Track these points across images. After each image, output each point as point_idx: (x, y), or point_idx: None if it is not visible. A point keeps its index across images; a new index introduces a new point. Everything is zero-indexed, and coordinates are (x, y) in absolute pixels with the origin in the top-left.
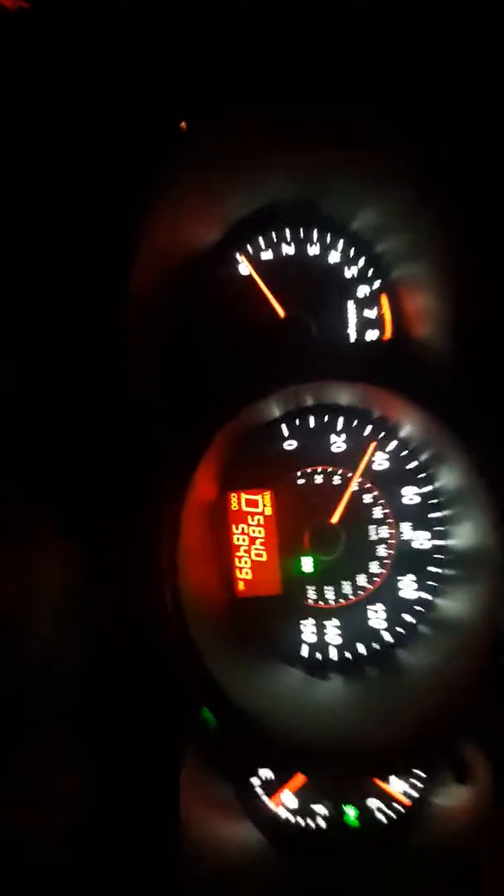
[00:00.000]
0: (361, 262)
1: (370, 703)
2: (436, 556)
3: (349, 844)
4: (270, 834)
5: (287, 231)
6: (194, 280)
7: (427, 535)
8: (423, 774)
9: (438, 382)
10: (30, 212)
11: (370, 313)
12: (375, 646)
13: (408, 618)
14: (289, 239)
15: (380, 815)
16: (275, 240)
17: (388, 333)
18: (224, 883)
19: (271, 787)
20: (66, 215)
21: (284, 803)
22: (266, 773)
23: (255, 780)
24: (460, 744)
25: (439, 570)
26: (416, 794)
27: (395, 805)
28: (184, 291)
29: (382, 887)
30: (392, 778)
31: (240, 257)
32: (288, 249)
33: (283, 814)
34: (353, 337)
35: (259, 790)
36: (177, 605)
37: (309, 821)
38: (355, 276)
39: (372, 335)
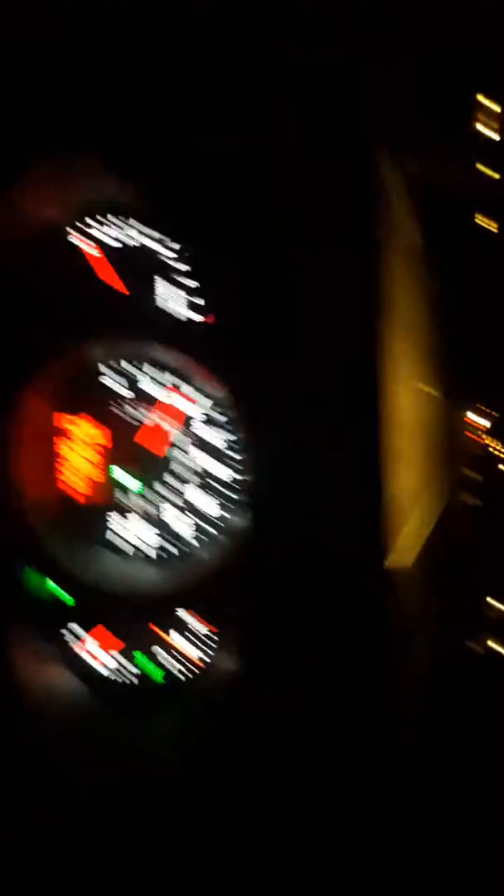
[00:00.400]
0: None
1: (168, 579)
2: (232, 484)
3: (146, 694)
4: (87, 683)
5: (133, 221)
6: (48, 249)
7: (229, 470)
8: (210, 643)
9: (222, 353)
10: None
11: (191, 297)
12: (183, 548)
13: (209, 528)
14: (135, 227)
15: (174, 672)
16: (120, 226)
17: (200, 316)
18: (51, 723)
19: (84, 642)
20: None
21: (96, 656)
22: (79, 630)
23: (71, 637)
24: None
25: (235, 496)
26: (203, 657)
27: (185, 663)
28: (38, 257)
29: (172, 732)
30: (184, 642)
31: (88, 237)
32: (134, 234)
33: (98, 666)
34: (171, 311)
35: (75, 646)
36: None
37: (118, 673)
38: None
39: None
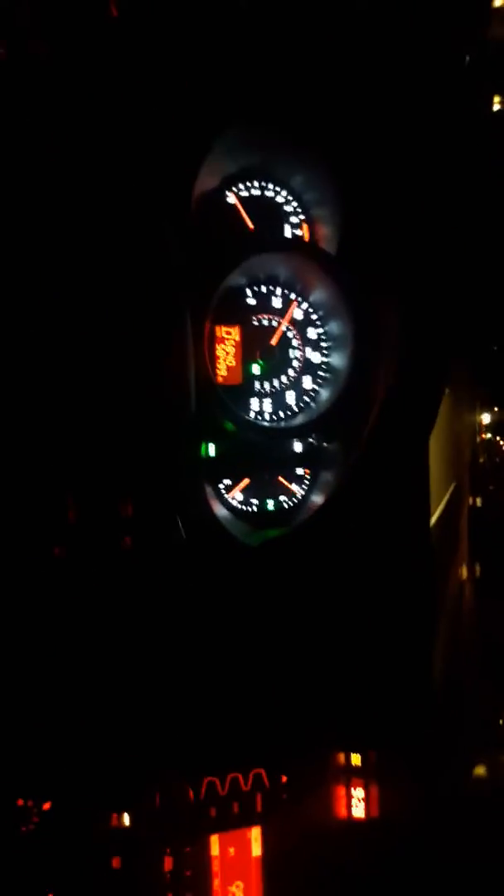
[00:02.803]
0: (295, 204)
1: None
2: (322, 367)
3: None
4: (233, 512)
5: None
6: (210, 201)
7: (318, 354)
8: (306, 483)
9: (335, 263)
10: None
11: (297, 231)
12: (289, 413)
13: (306, 398)
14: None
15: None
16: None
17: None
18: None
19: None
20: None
21: (235, 497)
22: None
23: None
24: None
25: (323, 374)
26: (301, 492)
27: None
28: (205, 207)
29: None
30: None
31: (229, 193)
32: (264, 192)
33: (236, 504)
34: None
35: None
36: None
37: (249, 507)
38: (292, 210)
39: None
